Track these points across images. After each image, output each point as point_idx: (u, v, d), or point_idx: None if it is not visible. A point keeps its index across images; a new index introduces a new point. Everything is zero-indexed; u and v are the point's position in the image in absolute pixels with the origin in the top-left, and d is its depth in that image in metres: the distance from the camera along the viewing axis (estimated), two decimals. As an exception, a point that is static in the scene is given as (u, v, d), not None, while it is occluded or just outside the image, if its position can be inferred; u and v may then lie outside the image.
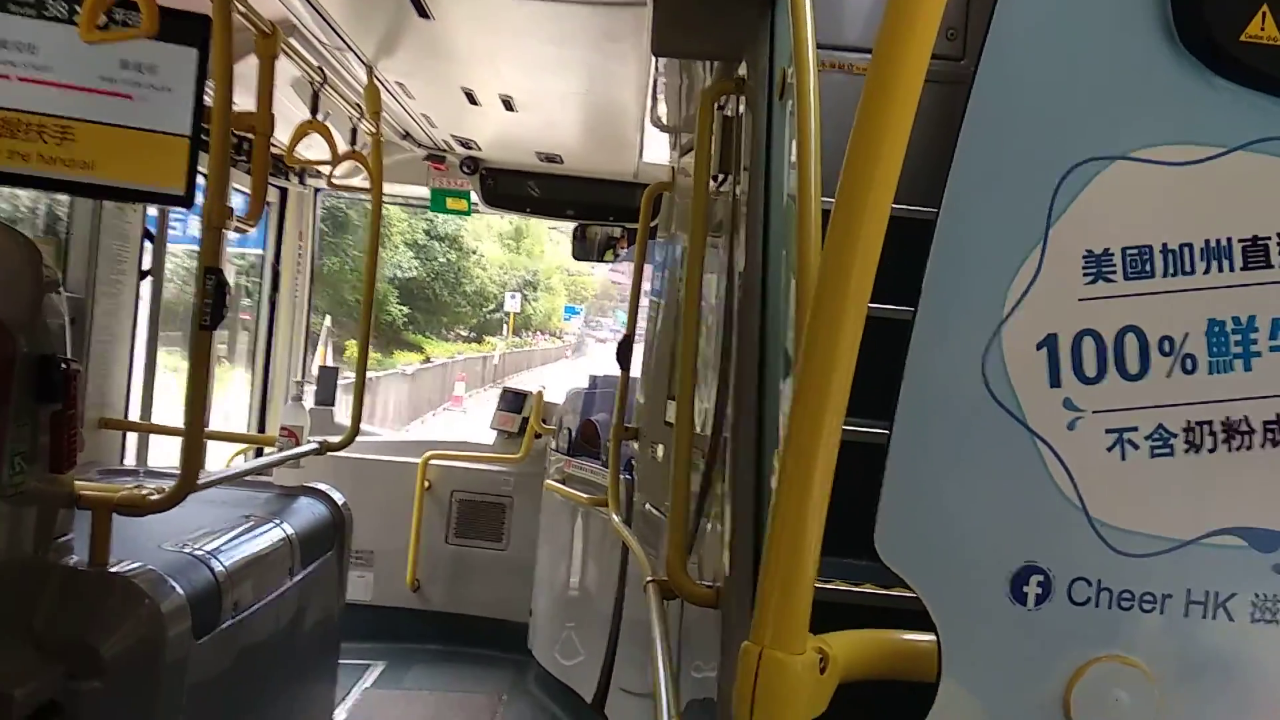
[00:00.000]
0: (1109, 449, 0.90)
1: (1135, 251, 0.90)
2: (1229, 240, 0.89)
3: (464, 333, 36.31)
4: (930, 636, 0.92)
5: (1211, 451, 0.90)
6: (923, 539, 0.92)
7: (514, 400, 5.51)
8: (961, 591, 0.91)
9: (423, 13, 2.89)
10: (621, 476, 3.69)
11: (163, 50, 2.45)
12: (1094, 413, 0.90)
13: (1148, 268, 0.90)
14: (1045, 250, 0.91)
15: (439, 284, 33.51)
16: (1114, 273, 0.90)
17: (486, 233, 34.89)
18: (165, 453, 4.76)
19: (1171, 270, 0.90)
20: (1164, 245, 0.90)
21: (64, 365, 2.10)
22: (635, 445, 3.75)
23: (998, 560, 0.91)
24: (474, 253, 34.95)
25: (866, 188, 0.86)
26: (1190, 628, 0.90)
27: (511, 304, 36.06)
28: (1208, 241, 0.89)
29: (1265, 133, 0.89)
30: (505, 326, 37.36)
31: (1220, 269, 0.89)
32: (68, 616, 2.19)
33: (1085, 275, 0.90)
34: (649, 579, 2.32)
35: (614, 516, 3.47)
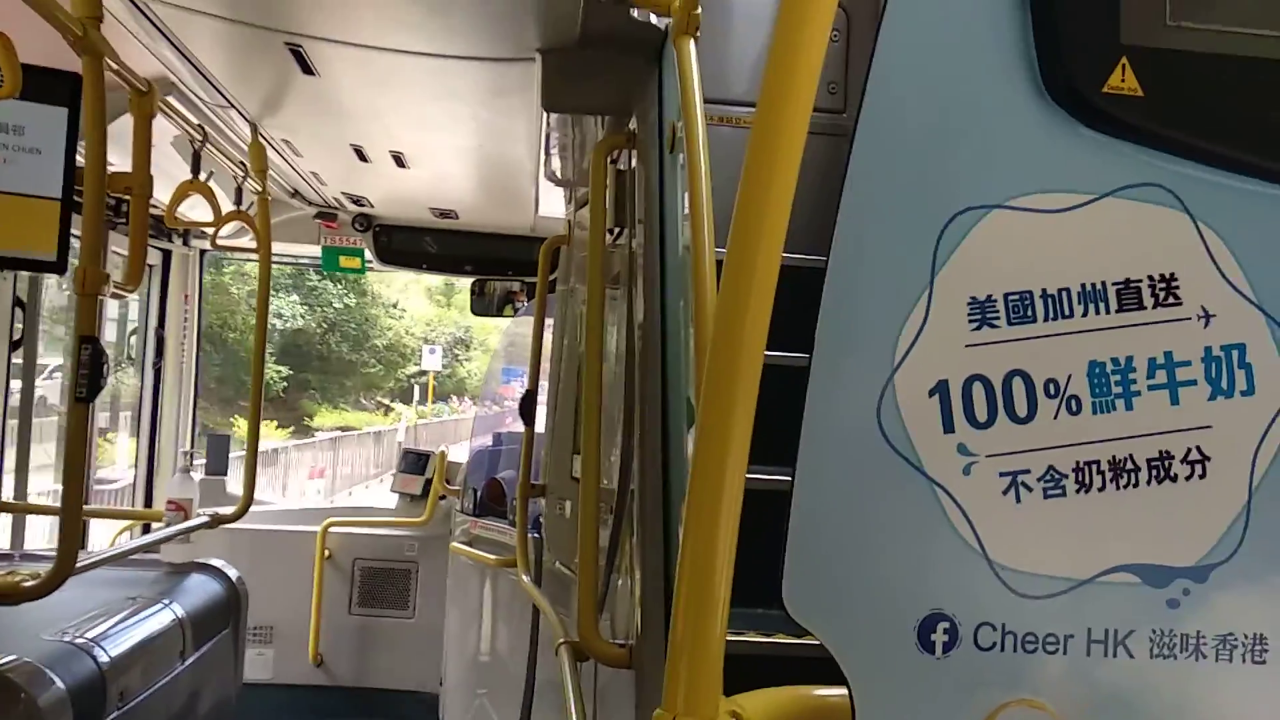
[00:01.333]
0: (1004, 492, 0.91)
1: (1017, 297, 0.92)
2: (1103, 284, 0.92)
3: (380, 399, 31.90)
4: (843, 690, 0.91)
5: (1101, 490, 0.91)
6: (829, 591, 0.91)
7: (416, 461, 5.38)
8: (870, 643, 0.91)
9: (307, 69, 2.84)
10: (530, 535, 3.62)
11: (30, 110, 2.35)
12: (987, 457, 0.91)
13: (1029, 312, 0.92)
14: (931, 298, 0.92)
15: (335, 337, 28.83)
16: (998, 318, 0.92)
17: (414, 286, 31.40)
18: (42, 533, 4.50)
19: (1052, 314, 0.92)
20: (1044, 290, 0.92)
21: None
22: (543, 502, 3.70)
23: (904, 609, 0.91)
24: (393, 306, 31.29)
25: (756, 237, 0.86)
26: (1092, 667, 0.91)
27: (431, 360, 30.21)
28: (1084, 285, 0.92)
29: (1131, 179, 0.93)
30: (418, 390, 32.20)
31: (1097, 311, 0.92)
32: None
33: (971, 321, 0.92)
34: (560, 641, 2.27)
35: (524, 577, 3.40)
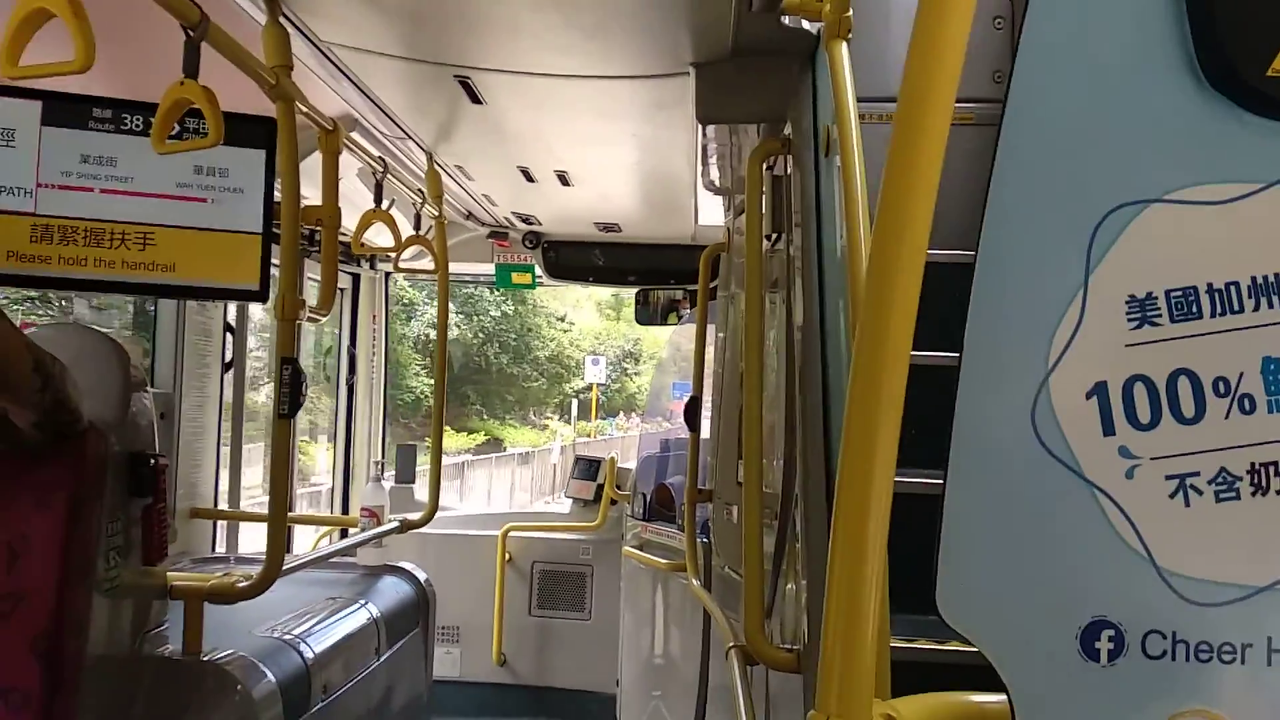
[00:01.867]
0: (1171, 495, 0.88)
1: (1180, 293, 0.89)
2: (1276, 276, 0.87)
3: (547, 414, 30.55)
4: (1002, 697, 0.90)
5: (1279, 494, 0.87)
6: (985, 598, 0.90)
7: (588, 468, 5.54)
8: (1030, 650, 0.89)
9: (475, 99, 2.99)
10: (699, 540, 3.66)
11: (232, 154, 2.58)
12: (1152, 459, 0.88)
13: (1194, 309, 0.88)
14: (1087, 297, 0.90)
15: (494, 348, 27.15)
16: (1159, 316, 0.89)
17: (585, 300, 30.67)
18: (254, 538, 4.89)
19: (1219, 310, 0.88)
20: (1209, 285, 0.88)
21: (153, 461, 2.19)
22: (711, 507, 3.73)
23: (1065, 616, 0.89)
24: (561, 319, 30.08)
25: (899, 234, 0.86)
26: (1274, 677, 0.87)
27: (594, 372, 27.94)
28: (1254, 278, 0.88)
29: (1303, 165, 0.88)
30: (578, 406, 30.35)
31: (1270, 305, 0.87)
32: (164, 706, 2.26)
33: (1130, 320, 0.89)
34: (730, 645, 2.30)
35: (693, 581, 3.44)
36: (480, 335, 27.29)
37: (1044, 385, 0.90)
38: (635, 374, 33.44)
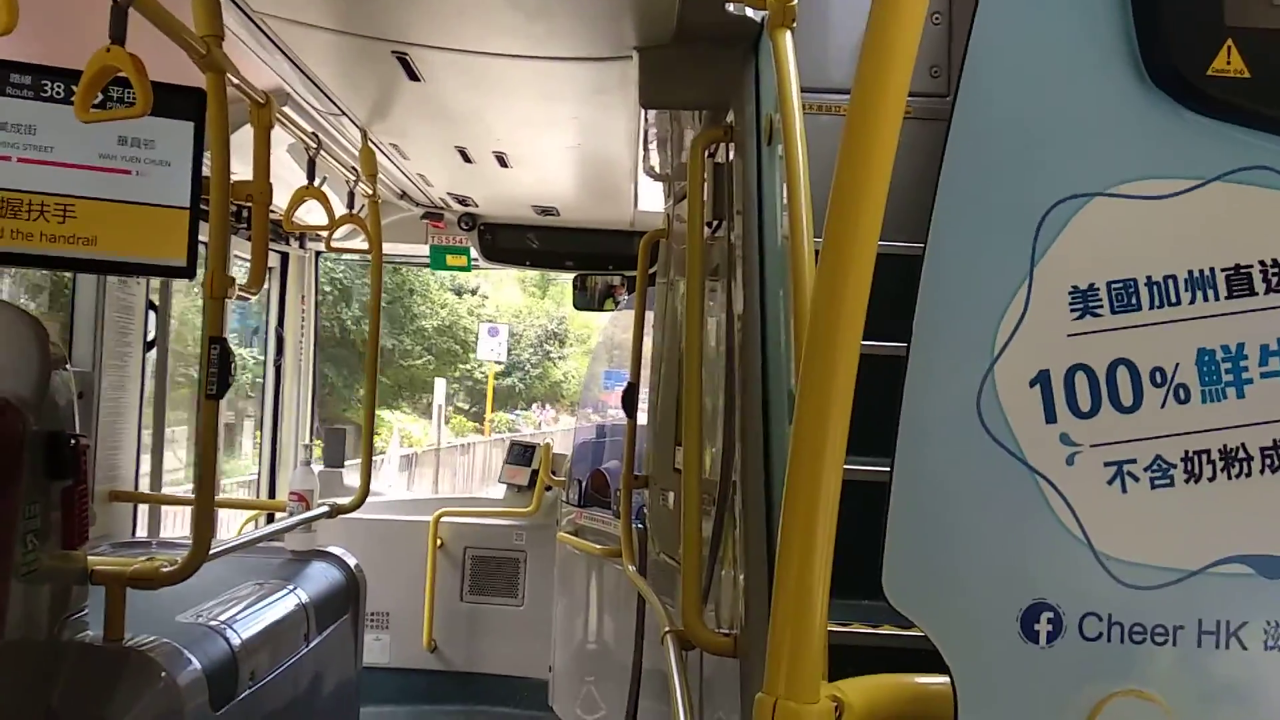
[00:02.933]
0: (1109, 482, 0.90)
1: (1120, 285, 0.91)
2: (1212, 270, 0.90)
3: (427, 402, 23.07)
4: (944, 679, 0.92)
5: (1211, 480, 0.90)
6: (930, 581, 0.92)
7: (522, 453, 5.51)
8: (972, 632, 0.91)
9: (413, 75, 2.94)
10: (634, 525, 3.67)
11: (160, 125, 2.49)
12: (1091, 446, 0.90)
13: (1134, 300, 0.91)
14: (1031, 288, 0.92)
15: (356, 310, 18.62)
16: (1100, 307, 0.91)
17: (505, 276, 24.32)
18: (176, 522, 4.77)
19: (1157, 302, 0.91)
20: (1148, 278, 0.91)
21: (73, 441, 2.11)
22: (646, 493, 3.74)
23: (1006, 599, 0.91)
24: (472, 292, 24.91)
25: (852, 226, 0.87)
26: (1204, 658, 0.90)
27: (490, 347, 20.10)
28: (1191, 272, 0.90)
29: (1239, 163, 0.91)
30: (466, 395, 24.16)
31: (1206, 299, 0.90)
32: (85, 694, 2.19)
33: (1073, 311, 0.91)
34: (666, 629, 2.31)
35: (629, 567, 3.46)
36: (336, 290, 18.22)
37: (989, 373, 0.91)
38: (560, 358, 28.02)
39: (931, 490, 0.92)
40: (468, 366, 25.13)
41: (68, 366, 2.24)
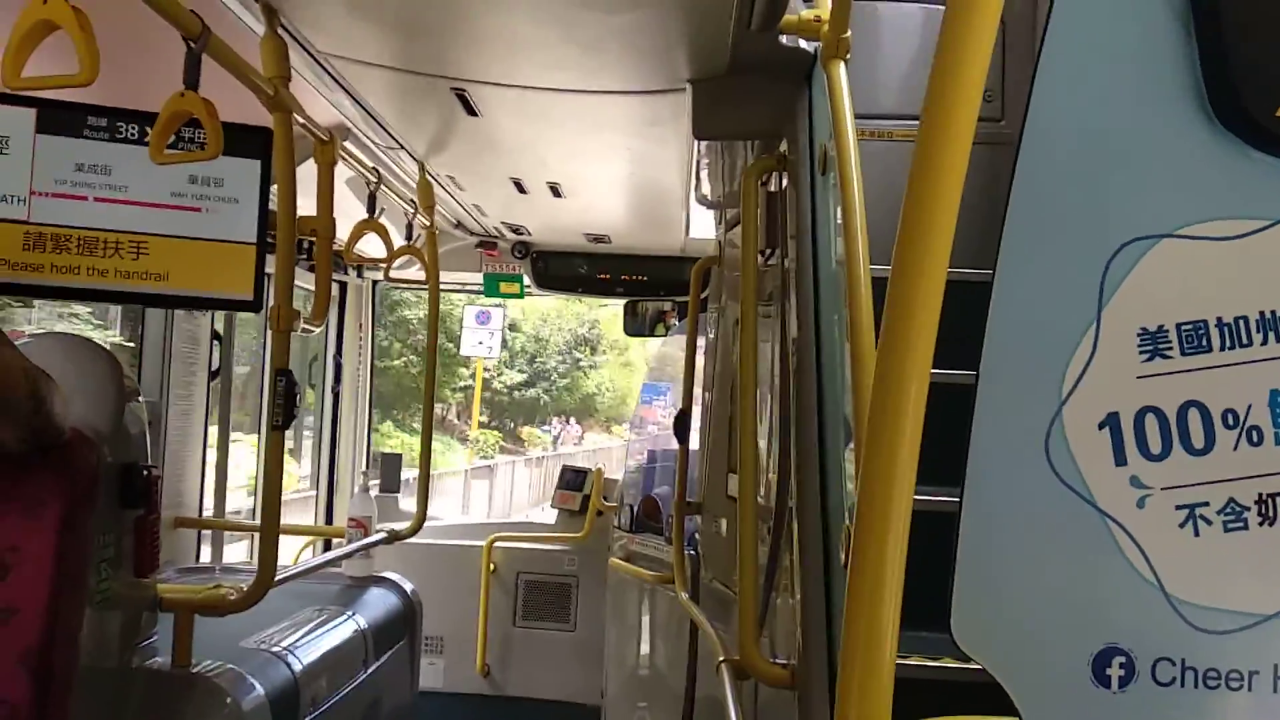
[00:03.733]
0: (1181, 525, 0.90)
1: (1190, 326, 0.91)
2: (1283, 311, 0.90)
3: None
4: (1013, 721, 0.91)
5: (1286, 523, 0.89)
6: (998, 622, 0.92)
7: (574, 478, 5.53)
8: (1042, 675, 0.91)
9: (470, 111, 3.00)
10: (687, 552, 3.67)
11: (228, 164, 2.56)
12: (1163, 489, 0.90)
13: (1204, 342, 0.91)
14: (1100, 329, 0.92)
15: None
16: (1170, 349, 0.91)
17: None
18: (233, 547, 4.85)
19: (1229, 343, 0.90)
20: (1219, 319, 0.90)
21: (145, 471, 2.18)
22: (699, 520, 3.74)
23: (1077, 642, 0.90)
24: None
25: (922, 254, 0.87)
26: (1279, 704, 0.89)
27: (477, 339, 10.34)
28: (1262, 313, 0.90)
29: (1311, 203, 0.90)
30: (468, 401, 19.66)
31: (1278, 340, 0.90)
32: (153, 718, 2.24)
33: (1142, 353, 0.91)
34: (721, 659, 2.30)
35: (681, 594, 3.45)
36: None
37: (1058, 415, 0.91)
38: (591, 366, 24.50)
39: (1000, 529, 0.92)
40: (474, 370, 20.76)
41: (139, 398, 2.31)
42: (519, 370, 23.85)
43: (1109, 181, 0.94)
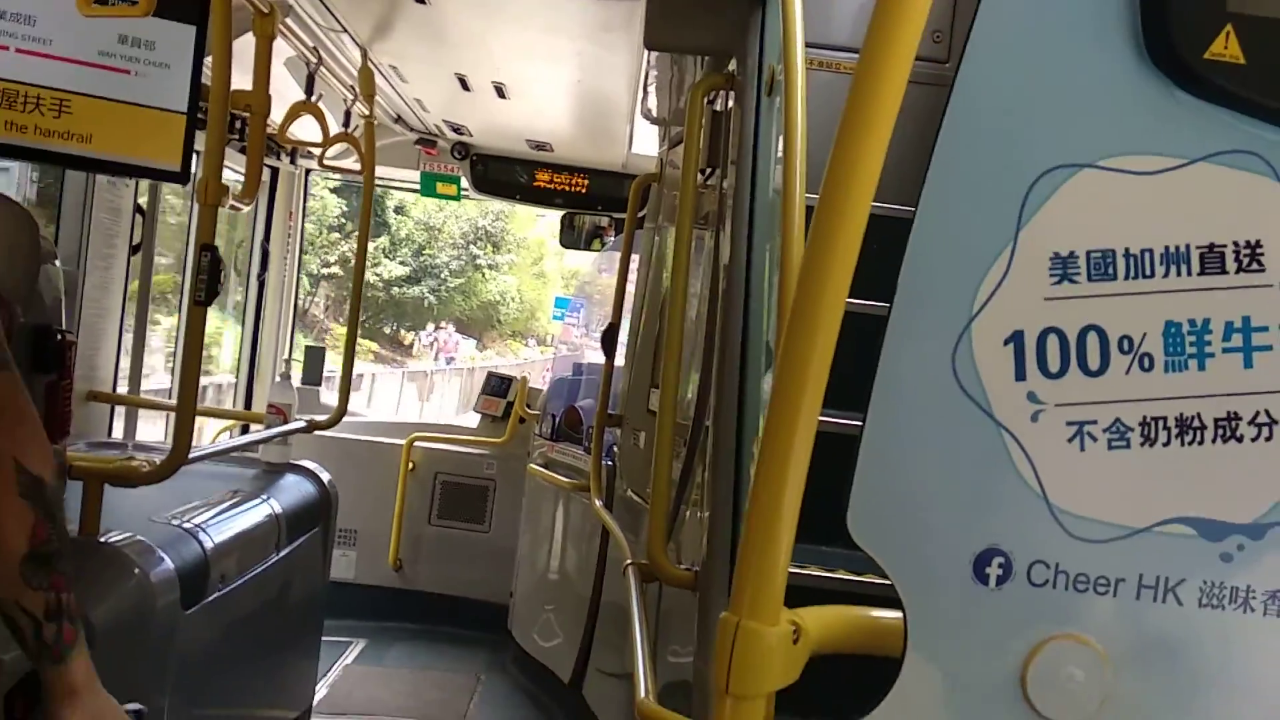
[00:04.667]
0: (1069, 440, 0.96)
1: (1099, 255, 0.96)
2: (1188, 247, 0.95)
3: None
4: (897, 614, 0.98)
5: (1165, 445, 0.95)
6: (892, 520, 0.97)
7: (499, 385, 5.56)
8: (927, 570, 0.97)
9: (419, -2, 2.92)
10: (604, 462, 3.74)
11: (161, 26, 2.46)
12: (1056, 405, 0.96)
13: (1110, 271, 0.96)
14: (1015, 252, 0.96)
15: None
16: (1079, 274, 0.96)
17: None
18: (149, 429, 4.78)
19: (1132, 274, 0.95)
20: (1126, 250, 0.95)
21: (60, 336, 2.13)
22: (618, 432, 3.80)
23: (962, 542, 0.96)
24: None
25: (848, 186, 0.90)
26: (1141, 610, 0.96)
27: None
28: (1167, 248, 0.95)
29: (1225, 146, 0.95)
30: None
31: (1178, 274, 0.95)
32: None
33: (1051, 276, 0.96)
34: (629, 562, 2.37)
35: (596, 501, 3.52)
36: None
37: (966, 330, 0.96)
38: (491, 267, 20.64)
39: (901, 436, 0.97)
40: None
41: (56, 262, 2.24)
42: (401, 262, 19.53)
43: (1037, 111, 0.98)
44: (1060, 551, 0.96)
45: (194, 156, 2.61)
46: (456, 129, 4.80)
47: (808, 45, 1.89)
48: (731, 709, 0.90)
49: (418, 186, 5.24)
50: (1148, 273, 0.95)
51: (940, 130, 0.97)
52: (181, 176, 2.54)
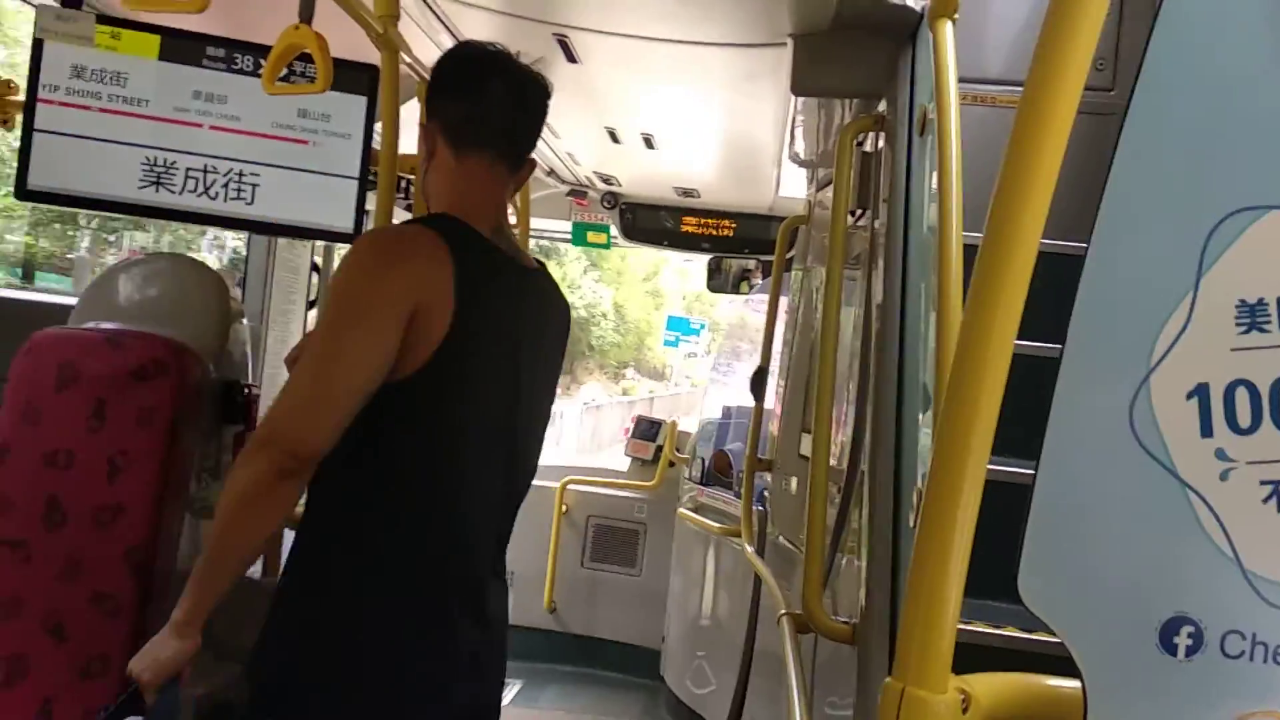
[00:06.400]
0: (1264, 500, 0.89)
1: (1291, 302, 0.89)
2: (1389, 291, 0.88)
3: None
4: (1076, 683, 0.93)
5: (1373, 506, 0.88)
6: (1068, 584, 0.93)
7: (649, 429, 5.61)
8: (1108, 639, 0.92)
9: (570, 58, 3.02)
10: (755, 508, 3.70)
11: (336, 99, 2.65)
12: (1248, 463, 0.89)
13: (1305, 318, 0.89)
14: (1196, 299, 0.91)
15: None
16: (1269, 323, 0.90)
17: None
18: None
19: (1329, 321, 0.89)
20: (1322, 296, 0.89)
21: (246, 390, 2.29)
22: (769, 477, 3.77)
23: (1146, 609, 0.91)
24: None
25: (1016, 224, 0.87)
26: (1350, 685, 0.88)
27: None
28: (1367, 292, 0.88)
29: None
30: None
31: (1380, 320, 0.88)
32: (243, 623, 2.37)
33: (1239, 325, 0.90)
34: (783, 612, 2.34)
35: (747, 547, 3.49)
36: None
37: (1145, 383, 0.91)
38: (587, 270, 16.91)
39: (1076, 494, 0.93)
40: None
41: (244, 320, 2.42)
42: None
43: (1219, 148, 0.93)
44: (1257, 620, 0.89)
45: (365, 217, 2.78)
46: (606, 179, 4.92)
47: (960, 80, 1.86)
48: (899, 779, 0.87)
49: (569, 236, 5.39)
50: (1347, 320, 0.89)
51: (1112, 166, 0.93)
52: (354, 237, 2.71)
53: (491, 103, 1.85)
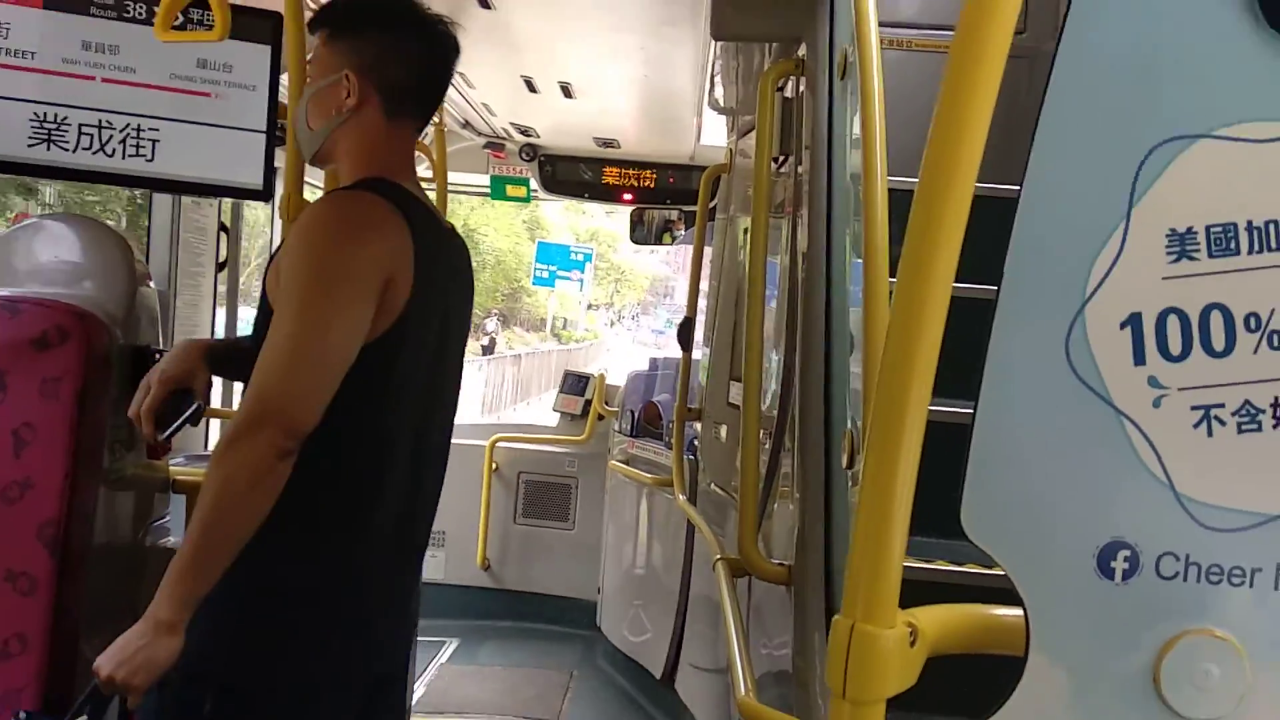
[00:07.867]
0: (1195, 425, 0.91)
1: (1219, 229, 0.91)
2: (1316, 216, 0.89)
3: None
4: (1018, 611, 0.94)
5: (1300, 426, 0.90)
6: (1009, 515, 0.94)
7: (576, 383, 5.59)
8: (1048, 566, 0.93)
9: (485, 3, 2.93)
10: (685, 457, 3.73)
11: (238, 49, 2.53)
12: (1179, 390, 0.91)
13: (1232, 245, 0.91)
14: (1128, 230, 0.91)
15: None
16: (1198, 251, 0.91)
17: None
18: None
19: (1256, 247, 0.90)
20: (1249, 222, 0.90)
21: (156, 356, 2.19)
22: (698, 426, 3.79)
23: (1084, 536, 0.93)
24: None
25: (951, 167, 0.87)
26: None
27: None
28: (1294, 218, 0.90)
29: (1352, 108, 0.89)
30: None
31: (1307, 245, 0.90)
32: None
33: (1169, 254, 0.91)
34: (718, 557, 2.36)
35: (679, 496, 3.52)
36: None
37: (1080, 314, 0.92)
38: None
39: (1014, 427, 0.93)
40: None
41: (150, 284, 2.31)
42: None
43: (1146, 82, 0.93)
44: (1190, 542, 0.91)
45: (274, 173, 2.67)
46: (524, 131, 4.83)
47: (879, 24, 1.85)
48: (850, 715, 0.88)
49: (488, 190, 5.29)
50: (1273, 246, 0.90)
51: (1043, 105, 0.93)
52: (264, 194, 2.60)
53: (435, 74, 1.92)
